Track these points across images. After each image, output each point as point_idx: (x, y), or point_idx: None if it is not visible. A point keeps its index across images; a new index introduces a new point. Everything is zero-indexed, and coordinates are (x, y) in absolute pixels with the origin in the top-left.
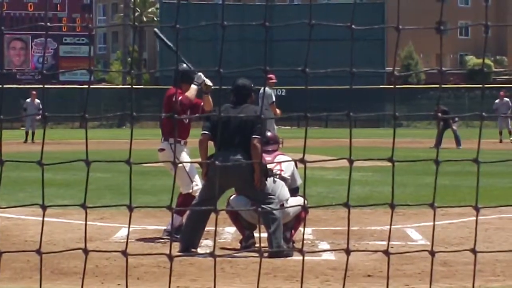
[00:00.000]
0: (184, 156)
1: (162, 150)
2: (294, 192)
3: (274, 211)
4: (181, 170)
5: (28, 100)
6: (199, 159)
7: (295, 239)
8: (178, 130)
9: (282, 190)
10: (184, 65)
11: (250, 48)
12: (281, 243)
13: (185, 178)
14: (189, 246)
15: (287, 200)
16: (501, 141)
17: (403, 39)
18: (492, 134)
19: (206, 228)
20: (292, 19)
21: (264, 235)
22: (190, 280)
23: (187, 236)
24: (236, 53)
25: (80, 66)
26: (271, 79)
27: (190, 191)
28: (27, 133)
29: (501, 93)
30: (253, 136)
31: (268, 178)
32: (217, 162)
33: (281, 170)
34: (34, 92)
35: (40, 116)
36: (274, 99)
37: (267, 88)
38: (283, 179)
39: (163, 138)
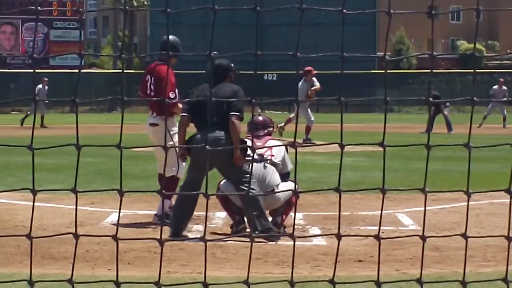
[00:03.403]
0: (175, 135)
1: (155, 125)
2: (285, 177)
3: (254, 193)
4: (171, 150)
5: (40, 86)
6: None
7: (286, 224)
8: (171, 107)
9: (273, 175)
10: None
11: (241, 33)
12: (268, 225)
13: (174, 159)
14: (179, 230)
15: (277, 185)
16: (480, 126)
17: (394, 23)
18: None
19: (197, 213)
20: (283, 3)
21: None
22: (181, 265)
23: (176, 220)
24: (227, 38)
25: (70, 50)
26: (311, 71)
27: (175, 173)
28: (42, 118)
29: (501, 80)
30: (231, 113)
31: (258, 163)
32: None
33: (272, 155)
34: (45, 79)
35: (47, 102)
36: (301, 97)
37: (300, 84)
38: (273, 164)
39: (155, 113)
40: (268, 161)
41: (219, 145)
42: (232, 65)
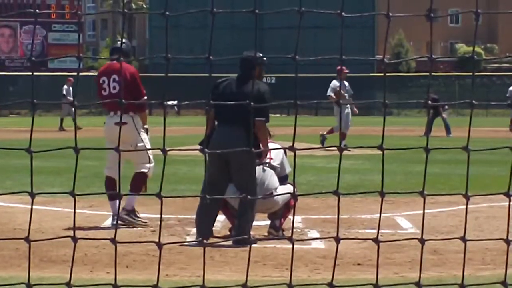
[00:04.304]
0: (144, 134)
1: (123, 123)
2: (283, 180)
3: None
4: (143, 147)
5: (65, 86)
6: (190, 146)
7: (284, 227)
8: (144, 106)
9: (271, 178)
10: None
11: (240, 36)
12: (247, 233)
13: (145, 156)
14: (205, 234)
15: (276, 188)
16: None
17: (393, 26)
18: (483, 122)
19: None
20: (282, 6)
21: (256, 223)
22: (179, 268)
23: (202, 225)
24: (225, 41)
25: (69, 53)
26: (342, 70)
27: (146, 170)
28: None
29: None
30: (257, 118)
31: (257, 166)
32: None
33: (270, 159)
34: (70, 78)
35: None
36: (331, 92)
37: (333, 81)
38: (272, 167)
39: (119, 112)
40: (267, 164)
41: (238, 144)
42: (262, 56)
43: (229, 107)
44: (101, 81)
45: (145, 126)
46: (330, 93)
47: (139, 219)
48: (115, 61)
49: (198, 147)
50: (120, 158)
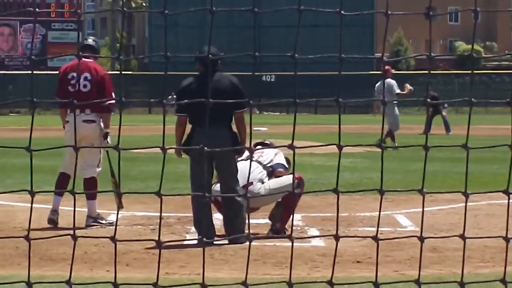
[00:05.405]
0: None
1: (92, 121)
2: (278, 168)
3: (238, 199)
4: (98, 150)
5: None
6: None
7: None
8: (106, 107)
9: (255, 170)
10: (90, 40)
11: (239, 34)
12: (242, 230)
13: (96, 159)
14: (208, 234)
15: (260, 179)
16: None
17: (392, 25)
18: (482, 120)
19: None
20: (280, 4)
21: (253, 221)
22: (179, 266)
23: (203, 224)
24: (224, 39)
25: (68, 52)
26: (389, 70)
27: (95, 175)
28: None
29: None
30: (237, 111)
31: (244, 160)
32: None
33: (260, 156)
34: None
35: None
36: (398, 90)
37: (389, 80)
38: (259, 163)
39: (89, 110)
40: (253, 158)
41: (225, 142)
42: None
43: (205, 106)
44: (69, 77)
45: (107, 130)
46: (398, 91)
47: (107, 222)
48: (86, 59)
49: (193, 146)
50: (120, 159)
